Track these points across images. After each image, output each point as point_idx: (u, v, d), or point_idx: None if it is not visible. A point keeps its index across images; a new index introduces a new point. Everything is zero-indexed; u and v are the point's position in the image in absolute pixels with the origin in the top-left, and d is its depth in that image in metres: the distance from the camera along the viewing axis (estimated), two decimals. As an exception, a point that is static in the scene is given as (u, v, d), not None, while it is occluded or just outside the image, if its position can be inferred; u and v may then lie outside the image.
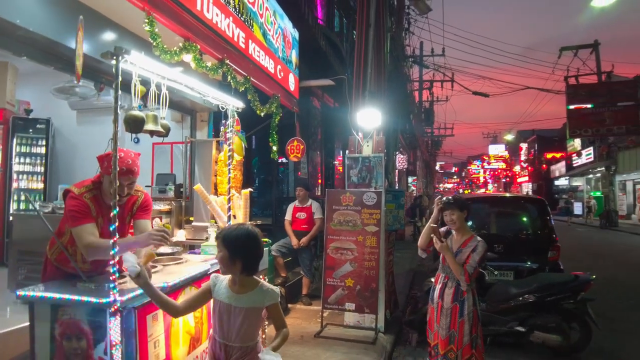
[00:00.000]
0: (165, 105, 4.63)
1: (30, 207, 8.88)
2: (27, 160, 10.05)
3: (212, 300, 3.45)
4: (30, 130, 10.02)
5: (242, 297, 3.32)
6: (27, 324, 3.66)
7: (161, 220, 7.55)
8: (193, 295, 3.55)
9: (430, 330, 5.43)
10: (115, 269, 3.47)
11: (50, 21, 4.68)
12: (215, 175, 7.53)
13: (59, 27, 4.75)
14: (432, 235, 5.30)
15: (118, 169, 3.89)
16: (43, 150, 10.11)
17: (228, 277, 3.43)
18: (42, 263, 4.32)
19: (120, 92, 3.57)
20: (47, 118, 10.15)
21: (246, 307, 3.30)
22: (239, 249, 3.30)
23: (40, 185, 10.08)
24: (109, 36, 5.56)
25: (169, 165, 9.59)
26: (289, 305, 9.33)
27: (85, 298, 3.46)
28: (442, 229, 5.49)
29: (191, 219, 7.47)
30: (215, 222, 6.33)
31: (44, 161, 10.12)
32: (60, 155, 10.46)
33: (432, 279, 5.70)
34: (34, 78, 9.82)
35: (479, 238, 5.24)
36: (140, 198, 4.53)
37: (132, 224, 4.47)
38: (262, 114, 8.08)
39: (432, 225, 5.35)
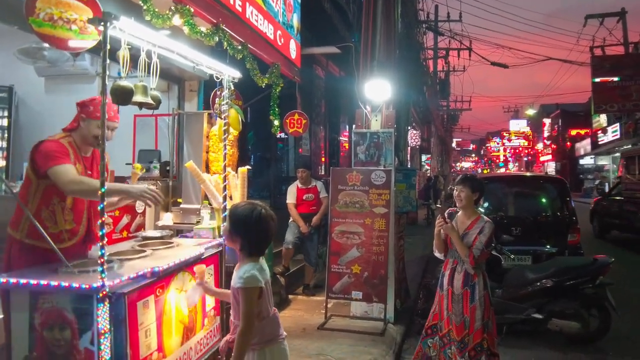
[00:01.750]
0: (156, 75, 4.64)
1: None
2: (-15, 133, 9.57)
3: None
4: (-11, 100, 9.54)
5: (234, 273, 3.52)
6: (0, 316, 3.69)
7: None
8: None
9: (441, 318, 5.54)
10: (103, 251, 3.50)
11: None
12: (207, 152, 7.52)
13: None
14: (442, 230, 5.46)
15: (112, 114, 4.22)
16: (5, 122, 9.72)
17: None
18: (5, 250, 4.21)
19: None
20: (10, 85, 9.63)
21: (232, 284, 3.51)
22: (240, 227, 3.46)
23: (1, 163, 9.61)
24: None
25: (153, 141, 9.40)
26: (290, 296, 9.39)
27: (70, 283, 3.47)
28: (448, 210, 5.66)
29: (179, 200, 7.47)
30: (209, 204, 6.35)
31: (5, 135, 9.70)
32: (24, 128, 9.90)
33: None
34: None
35: (486, 218, 5.37)
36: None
37: None
38: (263, 85, 8.07)
39: (438, 207, 5.53)
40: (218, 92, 6.16)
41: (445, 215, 5.55)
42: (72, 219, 4.25)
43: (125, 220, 6.68)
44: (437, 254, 5.74)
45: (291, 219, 9.71)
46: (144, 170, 5.96)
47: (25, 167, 4.25)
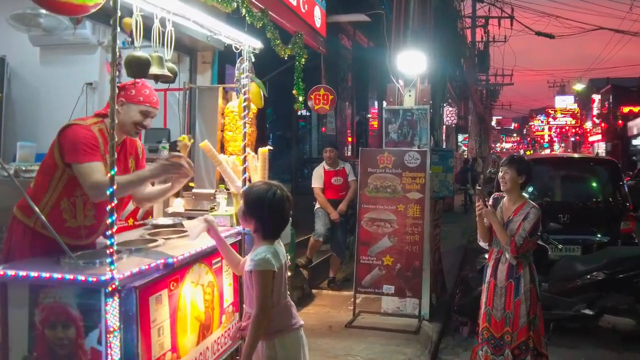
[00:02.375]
0: (171, 46, 4.60)
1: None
2: (-27, 110, 9.30)
3: None
4: (-23, 72, 9.28)
5: (247, 257, 3.65)
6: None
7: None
8: None
9: (482, 311, 5.53)
10: (112, 240, 3.46)
11: None
12: (222, 131, 7.47)
13: None
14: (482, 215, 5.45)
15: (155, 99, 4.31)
16: (-5, 97, 9.38)
17: None
18: (5, 238, 4.18)
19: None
20: (1, 56, 9.23)
21: (245, 268, 3.64)
22: (254, 207, 3.61)
23: (-8, 142, 9.30)
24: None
25: (162, 118, 9.13)
26: (314, 291, 9.36)
27: (75, 276, 3.43)
28: (494, 195, 5.69)
29: (191, 185, 7.44)
30: (226, 188, 6.31)
31: (-4, 112, 9.37)
32: (18, 104, 9.53)
33: (486, 256, 5.82)
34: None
35: (532, 204, 5.36)
36: (139, 143, 4.69)
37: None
38: (286, 56, 8.00)
39: (477, 188, 5.51)
40: (237, 64, 6.08)
41: (491, 200, 5.53)
42: (94, 214, 4.17)
43: (131, 206, 6.65)
44: (481, 244, 5.72)
45: (317, 206, 9.63)
46: (192, 141, 5.93)
47: (50, 148, 4.12)
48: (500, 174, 5.49)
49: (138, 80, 4.29)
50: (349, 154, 15.67)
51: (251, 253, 3.59)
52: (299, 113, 13.48)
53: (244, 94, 5.82)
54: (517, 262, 5.30)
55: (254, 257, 3.48)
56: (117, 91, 4.13)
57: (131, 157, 4.54)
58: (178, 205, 6.96)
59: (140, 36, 4.08)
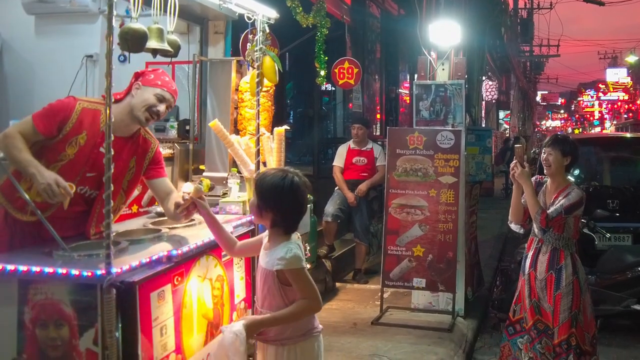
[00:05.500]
0: (174, 15, 4.57)
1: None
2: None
3: None
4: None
5: (266, 254, 3.61)
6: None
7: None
8: (251, 240, 4.08)
9: (524, 307, 5.55)
10: (109, 230, 3.43)
11: None
12: (236, 109, 7.45)
13: None
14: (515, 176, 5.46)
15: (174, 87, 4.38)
16: (-15, 71, 9.33)
17: None
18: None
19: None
20: None
21: (264, 267, 3.58)
22: (270, 199, 3.50)
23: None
24: None
25: None
26: (337, 284, 9.35)
27: (68, 270, 3.41)
28: (535, 178, 5.64)
29: (202, 167, 7.43)
30: (238, 172, 6.29)
31: (-14, 87, 9.29)
32: (10, 78, 9.28)
33: (526, 245, 5.79)
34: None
35: (576, 186, 5.37)
36: (154, 146, 4.67)
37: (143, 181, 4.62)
38: (309, 25, 7.95)
39: (517, 146, 5.53)
40: (250, 36, 6.03)
41: (533, 181, 5.48)
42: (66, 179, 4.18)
43: (135, 192, 6.63)
44: (512, 226, 5.75)
45: (337, 188, 9.62)
46: (207, 189, 6.00)
47: None
48: (543, 155, 5.46)
49: (158, 69, 4.35)
50: (377, 132, 15.58)
51: (273, 250, 3.53)
52: (323, 88, 13.39)
53: (257, 68, 5.76)
54: (559, 252, 5.29)
55: (285, 255, 3.42)
56: (132, 79, 4.18)
57: (134, 157, 4.52)
58: (187, 190, 6.93)
59: (139, 4, 4.04)
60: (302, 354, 3.51)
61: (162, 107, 4.32)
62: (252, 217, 3.79)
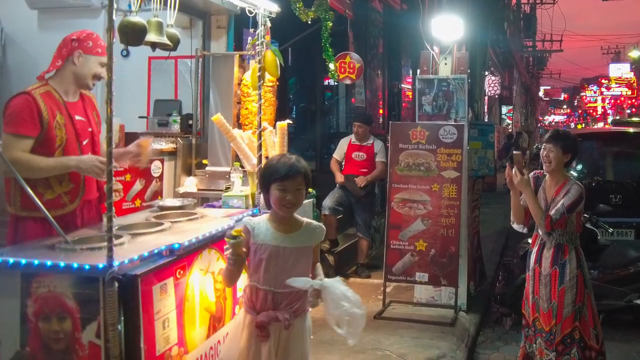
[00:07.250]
0: (175, 8, 4.57)
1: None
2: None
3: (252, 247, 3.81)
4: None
5: (292, 236, 3.80)
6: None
7: (162, 164, 7.28)
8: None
9: (528, 303, 5.56)
10: (111, 223, 3.43)
11: None
12: (239, 103, 7.44)
13: None
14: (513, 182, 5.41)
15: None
16: (-12, 65, 9.29)
17: (264, 218, 3.85)
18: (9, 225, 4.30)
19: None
20: None
21: (297, 246, 3.79)
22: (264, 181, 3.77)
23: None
24: None
25: (172, 89, 9.18)
26: (340, 279, 9.32)
27: (70, 263, 3.42)
28: (533, 173, 5.65)
29: (205, 162, 7.42)
30: (241, 166, 6.29)
31: (-11, 81, 9.25)
32: (14, 73, 9.35)
33: (530, 240, 5.81)
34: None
35: (575, 181, 5.35)
36: (92, 96, 4.85)
37: None
38: (309, 20, 7.94)
39: (515, 153, 5.73)
40: (252, 30, 6.04)
41: (531, 178, 5.45)
42: (69, 178, 4.29)
43: (138, 186, 6.64)
44: (515, 226, 5.73)
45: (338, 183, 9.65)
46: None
47: None
48: (543, 152, 5.41)
49: (89, 30, 4.47)
50: (380, 128, 15.56)
51: (302, 229, 3.84)
52: (325, 83, 13.37)
53: (259, 62, 5.77)
54: (563, 246, 5.27)
55: (316, 227, 3.91)
56: (68, 44, 4.25)
57: (94, 112, 4.71)
58: (190, 184, 6.96)
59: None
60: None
61: (104, 72, 4.40)
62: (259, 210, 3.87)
